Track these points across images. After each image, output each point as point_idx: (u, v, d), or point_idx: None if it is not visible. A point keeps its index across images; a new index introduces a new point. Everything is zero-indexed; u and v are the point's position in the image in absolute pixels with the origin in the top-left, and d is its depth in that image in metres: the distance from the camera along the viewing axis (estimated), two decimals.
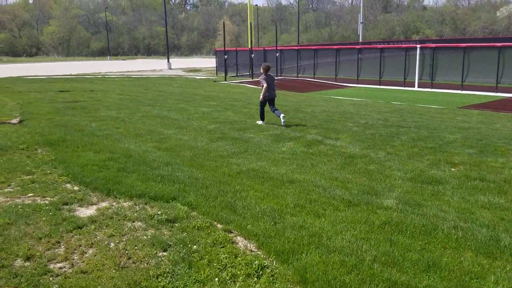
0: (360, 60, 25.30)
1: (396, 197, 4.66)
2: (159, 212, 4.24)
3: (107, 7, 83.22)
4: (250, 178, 5.32)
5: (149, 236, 3.73)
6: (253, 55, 28.41)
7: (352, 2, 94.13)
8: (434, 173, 5.58)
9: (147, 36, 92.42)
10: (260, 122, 9.25)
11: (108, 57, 72.23)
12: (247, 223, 3.92)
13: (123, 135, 7.87)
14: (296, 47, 32.42)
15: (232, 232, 3.83)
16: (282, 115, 8.99)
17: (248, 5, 33.97)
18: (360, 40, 49.30)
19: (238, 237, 3.75)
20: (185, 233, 3.77)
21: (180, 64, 46.82)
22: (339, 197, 4.62)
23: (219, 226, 3.95)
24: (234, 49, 35.25)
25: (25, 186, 5.11)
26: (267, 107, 9.31)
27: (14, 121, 9.78)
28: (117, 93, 16.28)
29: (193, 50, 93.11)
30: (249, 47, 30.51)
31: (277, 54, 28.81)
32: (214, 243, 3.57)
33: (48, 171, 5.70)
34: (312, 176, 5.42)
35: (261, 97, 9.12)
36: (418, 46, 22.97)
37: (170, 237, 3.71)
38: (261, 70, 9.16)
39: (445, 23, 78.08)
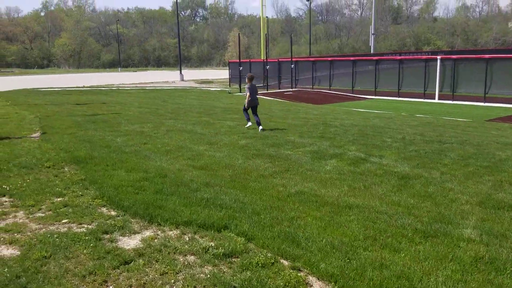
0: (377, 72, 24.83)
1: (474, 226, 4.15)
2: (212, 244, 3.77)
3: (118, 20, 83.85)
4: (302, 202, 4.84)
5: (208, 275, 3.25)
6: (268, 66, 28.06)
7: (361, 13, 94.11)
8: (503, 197, 5.05)
9: (157, 48, 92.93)
10: (248, 124, 10.07)
11: (119, 68, 72.58)
12: (317, 260, 3.43)
13: (152, 152, 7.44)
14: (311, 59, 32.08)
15: (301, 270, 3.34)
16: (260, 127, 9.68)
17: (261, 18, 33.87)
18: (372, 52, 48.93)
19: (310, 277, 3.26)
20: (249, 272, 3.29)
21: (191, 75, 46.65)
22: (410, 227, 4.11)
23: (285, 262, 3.47)
24: (248, 60, 34.99)
25: (58, 211, 4.68)
26: (250, 112, 10.17)
27: (35, 135, 9.42)
28: (136, 106, 15.93)
29: (203, 61, 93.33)
30: (264, 58, 30.23)
31: (292, 65, 28.45)
32: (286, 286, 3.08)
33: (80, 193, 5.27)
34: (370, 200, 4.92)
35: (245, 104, 10.09)
36: (439, 57, 22.44)
37: (232, 276, 3.23)
38: (246, 80, 10.16)
39: (456, 35, 77.55)
